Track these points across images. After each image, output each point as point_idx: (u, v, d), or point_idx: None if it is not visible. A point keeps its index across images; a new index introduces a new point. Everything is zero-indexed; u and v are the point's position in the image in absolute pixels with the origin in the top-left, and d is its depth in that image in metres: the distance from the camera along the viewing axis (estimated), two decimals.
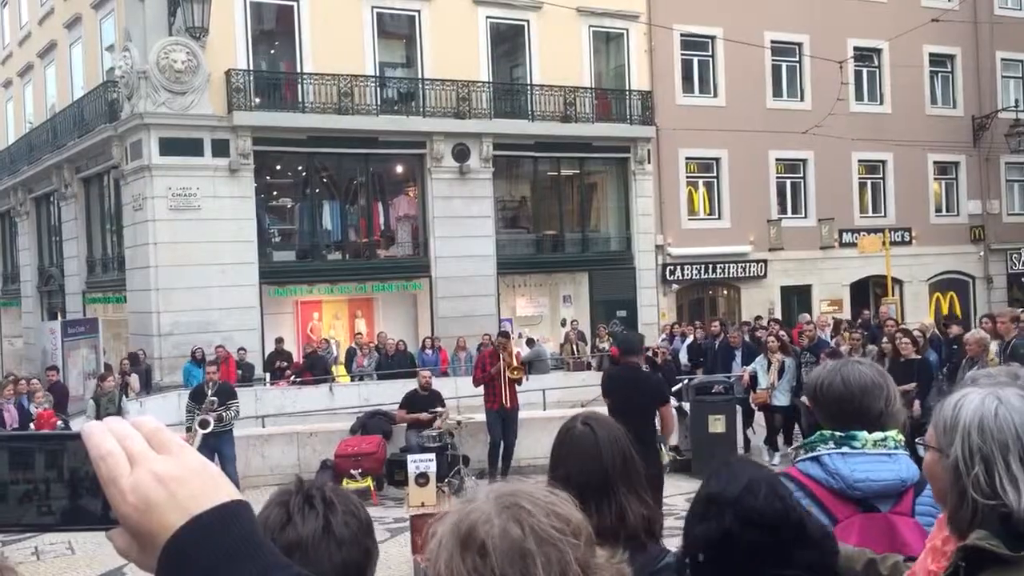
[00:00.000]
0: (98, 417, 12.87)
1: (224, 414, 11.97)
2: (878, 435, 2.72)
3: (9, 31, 31.04)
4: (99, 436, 0.87)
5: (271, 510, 1.77)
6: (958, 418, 1.89)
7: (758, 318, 22.82)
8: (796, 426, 13.66)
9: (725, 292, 27.19)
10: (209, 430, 11.72)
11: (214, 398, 12.04)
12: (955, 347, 13.45)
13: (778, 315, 25.10)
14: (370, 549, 1.75)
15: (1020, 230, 30.48)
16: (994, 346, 11.52)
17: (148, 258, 20.08)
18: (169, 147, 20.03)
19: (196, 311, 20.05)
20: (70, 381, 18.87)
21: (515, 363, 13.23)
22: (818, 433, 2.78)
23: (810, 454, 2.73)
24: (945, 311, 27.72)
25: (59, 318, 23.77)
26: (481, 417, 13.57)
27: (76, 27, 24.81)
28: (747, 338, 16.75)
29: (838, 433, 2.72)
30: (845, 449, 2.69)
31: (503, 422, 13.10)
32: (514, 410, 13.13)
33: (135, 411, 15.65)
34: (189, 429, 11.94)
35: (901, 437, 2.79)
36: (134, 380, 18.05)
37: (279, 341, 20.60)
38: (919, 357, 12.38)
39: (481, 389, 13.35)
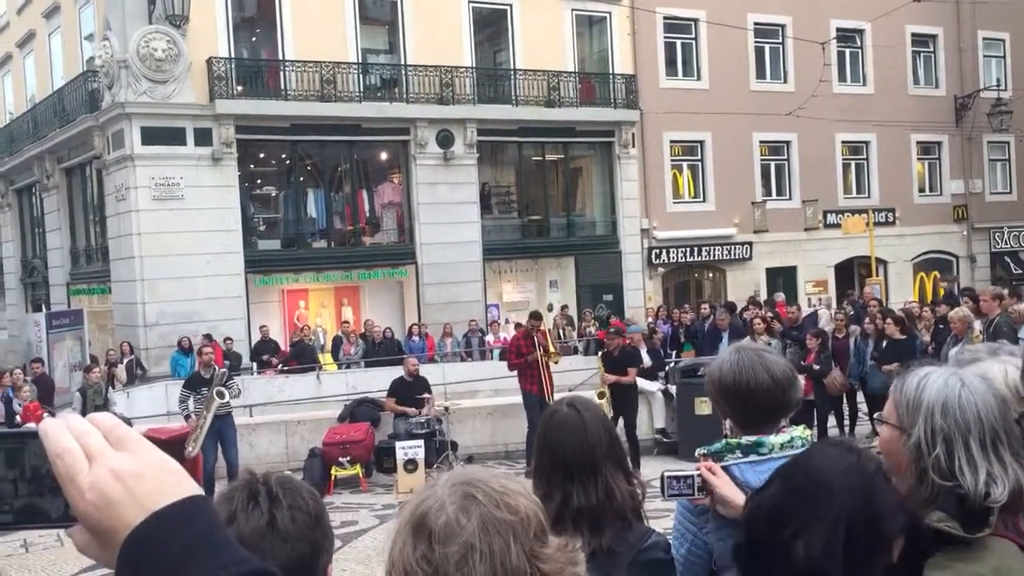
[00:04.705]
0: (84, 409, 12.83)
1: (231, 390, 11.94)
2: (784, 437, 2.65)
3: None
4: (56, 433, 0.86)
5: (217, 507, 1.75)
6: (921, 398, 1.90)
7: (751, 299, 22.85)
8: None
9: (711, 275, 27.26)
10: (227, 399, 11.68)
11: (224, 369, 12.04)
12: (941, 326, 13.55)
13: (764, 297, 25.19)
14: (319, 542, 1.72)
15: (1003, 209, 30.64)
16: (978, 324, 11.63)
17: (132, 248, 19.96)
18: (151, 136, 19.88)
19: (181, 301, 19.95)
20: (56, 373, 18.81)
21: (551, 346, 12.78)
22: (724, 442, 2.69)
23: (718, 464, 2.63)
24: (929, 291, 27.86)
25: (43, 310, 23.65)
26: (467, 403, 13.57)
27: (55, 16, 24.57)
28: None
29: (744, 441, 2.64)
30: (753, 457, 2.61)
31: (540, 406, 12.84)
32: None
33: (122, 402, 15.62)
34: (187, 418, 11.92)
35: (808, 433, 2.72)
36: (120, 371, 17.98)
37: (264, 330, 20.53)
38: (904, 337, 12.56)
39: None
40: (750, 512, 1.84)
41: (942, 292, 20.47)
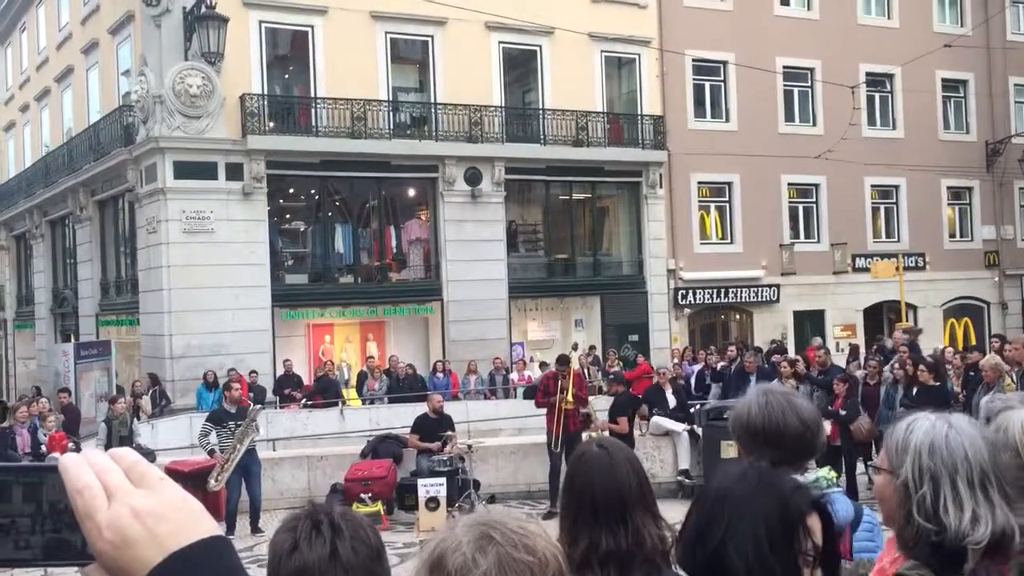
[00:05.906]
0: (109, 440, 12.87)
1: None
2: (809, 477, 2.63)
3: (27, 56, 31.38)
4: (76, 469, 0.84)
5: (280, 536, 1.79)
6: (909, 440, 1.93)
7: (774, 342, 22.65)
8: None
9: (738, 317, 27.08)
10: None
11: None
12: (972, 374, 13.35)
13: (791, 340, 25.00)
14: (378, 575, 1.74)
15: None
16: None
17: (161, 281, 20.15)
18: (183, 171, 20.15)
19: (208, 334, 20.07)
20: (82, 403, 18.92)
21: (570, 395, 12.47)
22: None
23: None
24: (960, 337, 27.49)
25: (72, 340, 23.86)
26: (491, 442, 13.51)
27: (93, 52, 25.07)
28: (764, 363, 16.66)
29: None
30: None
31: (550, 447, 12.66)
32: (575, 434, 12.34)
33: (147, 434, 15.66)
34: (212, 453, 11.92)
35: (833, 475, 2.70)
36: (146, 403, 18.05)
37: (287, 364, 20.58)
38: (937, 384, 12.40)
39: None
40: (681, 554, 1.93)
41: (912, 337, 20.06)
